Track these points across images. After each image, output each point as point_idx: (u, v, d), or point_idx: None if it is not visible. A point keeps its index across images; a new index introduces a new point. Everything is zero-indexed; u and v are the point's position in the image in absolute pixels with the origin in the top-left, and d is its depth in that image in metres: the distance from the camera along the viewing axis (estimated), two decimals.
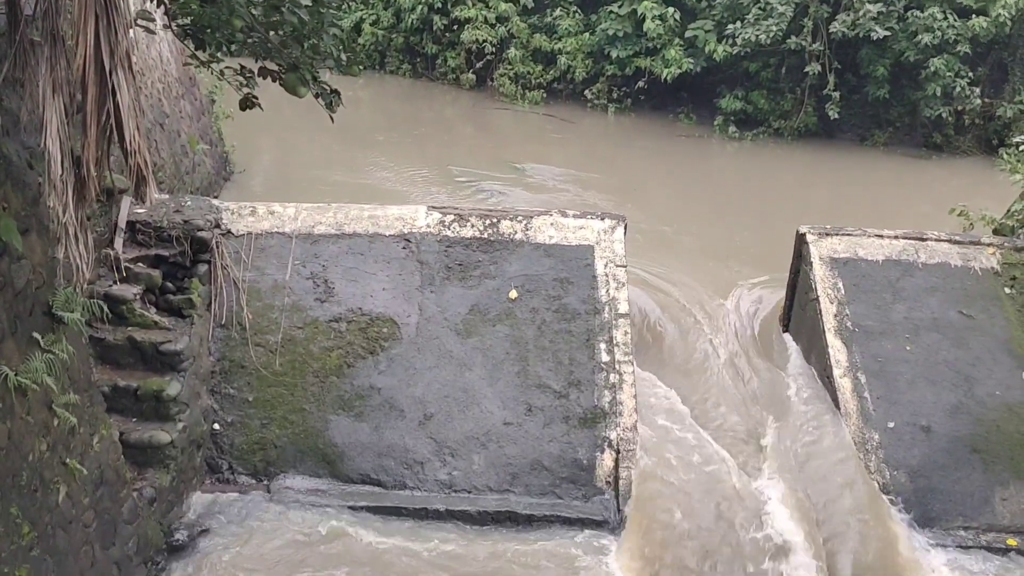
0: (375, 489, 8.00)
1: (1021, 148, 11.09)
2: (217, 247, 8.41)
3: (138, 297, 7.77)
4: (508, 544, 7.59)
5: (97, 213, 7.61)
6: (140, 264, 8.01)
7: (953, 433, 8.45)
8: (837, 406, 8.65)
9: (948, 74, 19.06)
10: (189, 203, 8.63)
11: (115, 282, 7.76)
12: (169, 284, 8.12)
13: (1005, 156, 12.03)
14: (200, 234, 8.27)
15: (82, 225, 4.91)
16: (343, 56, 6.38)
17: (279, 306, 8.61)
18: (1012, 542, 7.95)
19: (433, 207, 9.45)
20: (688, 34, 20.92)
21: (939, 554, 7.80)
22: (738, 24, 19.96)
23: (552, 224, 9.38)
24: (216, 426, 8.16)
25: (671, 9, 20.80)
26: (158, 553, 7.04)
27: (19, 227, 5.35)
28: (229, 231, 8.79)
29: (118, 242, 7.86)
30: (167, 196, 8.74)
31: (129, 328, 7.71)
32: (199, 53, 6.36)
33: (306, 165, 15.60)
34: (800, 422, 8.80)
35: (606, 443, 8.22)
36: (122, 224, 7.92)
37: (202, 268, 8.28)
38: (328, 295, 8.73)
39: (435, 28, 23.50)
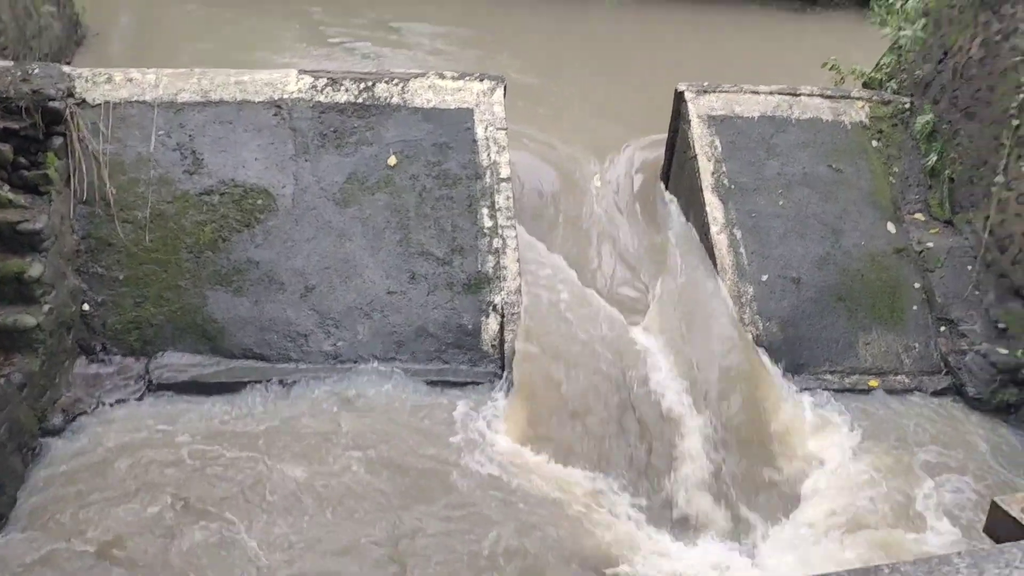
0: (259, 363, 7.90)
1: (890, 1, 11.22)
2: (72, 118, 7.87)
3: None
4: (395, 406, 7.65)
5: None
6: None
7: (821, 283, 8.81)
8: (714, 261, 8.87)
9: None
10: (37, 71, 8.00)
11: None
12: (22, 159, 7.59)
13: (875, 9, 12.19)
14: (52, 104, 7.70)
15: None
16: None
17: (145, 180, 8.20)
18: (873, 383, 8.45)
19: (304, 71, 9.05)
20: None
21: (807, 397, 8.24)
22: None
23: (430, 87, 9.12)
24: (86, 306, 7.85)
25: None
26: (32, 438, 6.84)
27: None
28: (84, 100, 8.25)
29: None
30: (11, 64, 8.09)
31: None
32: None
33: (167, 26, 14.65)
34: (679, 278, 9.02)
35: (491, 307, 8.27)
36: None
37: (57, 141, 7.76)
38: (197, 167, 8.35)
39: None
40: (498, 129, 9.00)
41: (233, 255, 8.15)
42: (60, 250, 7.57)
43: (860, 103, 10.06)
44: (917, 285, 8.97)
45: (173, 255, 8.06)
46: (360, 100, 8.91)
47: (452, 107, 9.04)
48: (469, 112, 9.04)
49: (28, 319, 7.00)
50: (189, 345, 7.92)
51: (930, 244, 9.14)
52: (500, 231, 8.54)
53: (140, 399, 7.45)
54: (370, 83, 9.02)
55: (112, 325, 7.85)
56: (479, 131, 8.96)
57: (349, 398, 7.64)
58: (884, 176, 9.59)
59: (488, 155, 8.84)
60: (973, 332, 8.66)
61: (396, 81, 9.09)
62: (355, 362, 7.97)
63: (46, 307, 7.21)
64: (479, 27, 16.88)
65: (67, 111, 7.78)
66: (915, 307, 8.86)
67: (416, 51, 15.09)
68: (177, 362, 7.79)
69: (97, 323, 7.85)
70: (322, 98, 8.83)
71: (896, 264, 9.04)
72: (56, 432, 7.04)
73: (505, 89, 9.25)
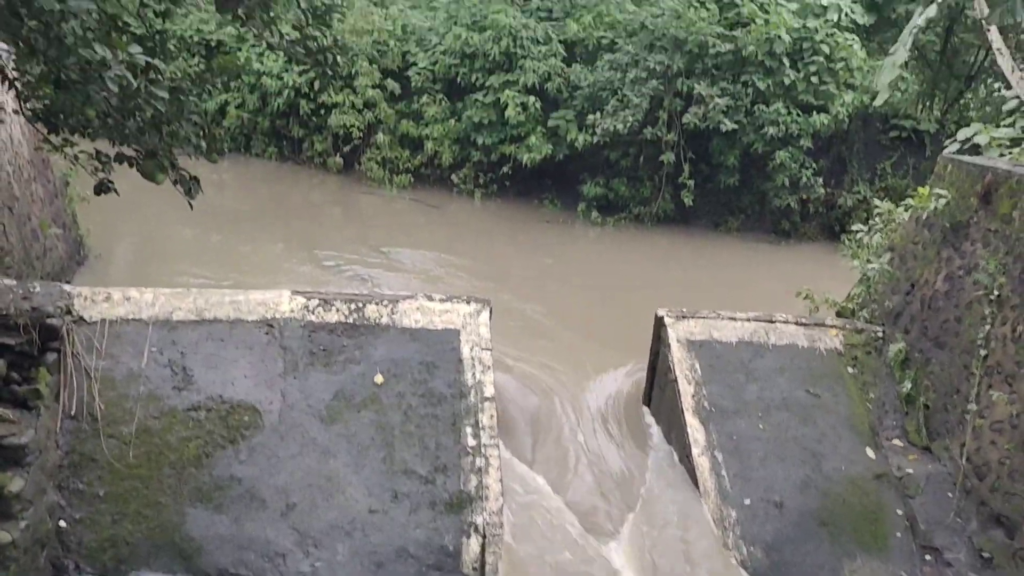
0: None
1: (858, 236, 11.85)
2: (68, 335, 8.08)
3: None
4: None
5: None
6: None
7: (803, 507, 8.80)
8: (696, 484, 8.89)
9: (793, 165, 20.29)
10: (38, 289, 8.27)
11: None
12: (14, 374, 7.70)
13: (846, 242, 12.85)
14: (49, 321, 7.91)
15: None
16: (202, 143, 6.38)
17: (134, 395, 8.30)
18: None
19: (297, 291, 9.37)
20: (551, 123, 21.63)
21: None
22: (598, 114, 20.79)
23: (418, 308, 9.44)
24: (63, 523, 7.73)
25: (533, 98, 21.50)
26: None
27: None
28: (81, 318, 8.48)
29: None
30: (14, 282, 8.38)
31: None
32: (52, 137, 6.24)
33: (167, 249, 15.25)
34: (662, 502, 9.00)
35: (472, 528, 8.20)
36: None
37: (51, 357, 7.91)
38: (187, 383, 8.48)
39: (302, 112, 23.55)
40: (483, 349, 9.24)
41: (216, 471, 8.13)
42: (43, 465, 7.55)
43: (834, 331, 10.41)
44: (899, 511, 8.97)
45: (156, 471, 8.03)
46: (351, 320, 9.19)
47: (439, 328, 9.32)
48: (456, 333, 9.31)
49: (3, 535, 6.89)
50: (164, 564, 7.74)
51: (910, 470, 9.21)
52: (483, 450, 8.60)
53: None
54: (361, 304, 9.33)
55: (88, 543, 7.71)
56: (465, 351, 9.19)
57: None
58: (861, 402, 9.79)
59: (473, 375, 9.03)
60: (958, 561, 8.57)
61: (386, 302, 9.41)
62: None
63: (23, 523, 7.10)
64: (466, 253, 17.60)
65: (64, 328, 7.99)
66: (898, 534, 8.81)
67: (405, 274, 15.65)
68: None
69: (73, 541, 7.70)
70: (313, 318, 9.11)
71: (877, 489, 9.07)
72: None
73: (491, 311, 9.57)
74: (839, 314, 11.39)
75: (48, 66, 5.45)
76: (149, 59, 5.63)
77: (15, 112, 6.17)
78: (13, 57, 6.18)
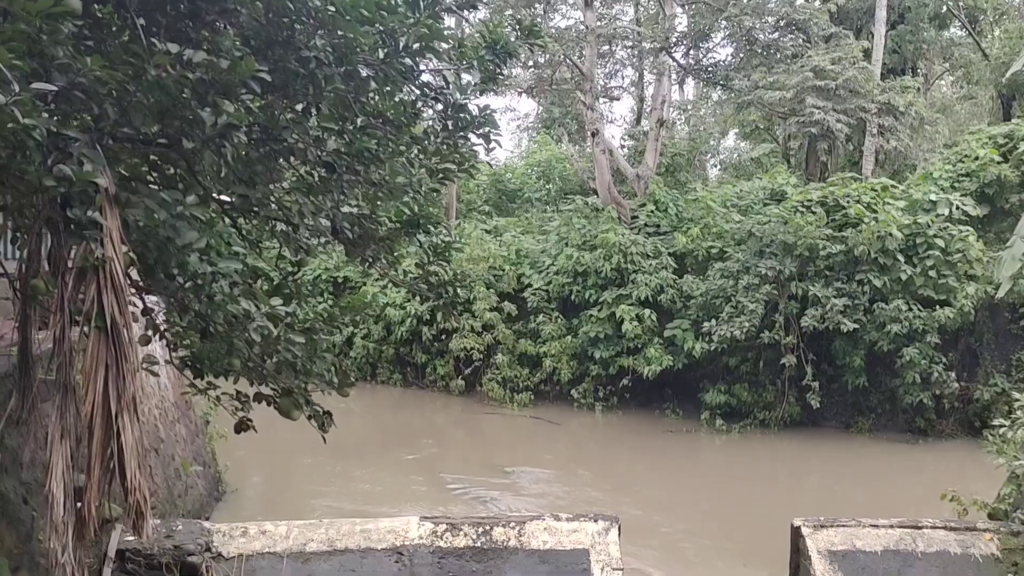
0: None
1: (1001, 432, 11.29)
2: (207, 572, 8.28)
3: None
4: None
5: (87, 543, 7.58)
6: None
7: None
8: None
9: (922, 361, 19.69)
10: (180, 527, 8.60)
11: None
12: None
13: (989, 438, 12.24)
14: (190, 559, 8.17)
15: (80, 563, 4.95)
16: (335, 378, 6.72)
17: None
18: None
19: (425, 517, 9.42)
20: (666, 333, 21.83)
21: None
22: (713, 322, 20.88)
23: (546, 528, 9.33)
24: None
25: (647, 311, 21.83)
26: None
27: (10, 565, 5.36)
28: (220, 554, 8.68)
29: (106, 572, 7.75)
30: (158, 521, 8.73)
31: None
32: (197, 382, 6.69)
33: (299, 480, 15.64)
34: None
35: None
36: (111, 554, 7.84)
37: None
38: None
39: (424, 339, 24.44)
40: (614, 570, 8.99)
41: None
42: None
43: (988, 535, 9.75)
44: None
45: None
46: (479, 544, 9.13)
47: (567, 548, 9.15)
48: (585, 553, 9.12)
49: None
50: None
51: None
52: None
53: None
54: (488, 527, 9.29)
55: None
56: (596, 572, 8.95)
57: None
58: None
59: None
60: None
61: (513, 524, 9.34)
62: None
63: None
64: (590, 468, 17.44)
65: (203, 565, 8.21)
66: None
67: (530, 493, 15.54)
68: None
69: None
70: (442, 543, 9.09)
71: None
72: None
73: (620, 528, 9.38)
74: (991, 516, 10.68)
75: (196, 319, 5.94)
76: (287, 309, 6.09)
77: (166, 362, 6.67)
78: (163, 311, 6.77)
